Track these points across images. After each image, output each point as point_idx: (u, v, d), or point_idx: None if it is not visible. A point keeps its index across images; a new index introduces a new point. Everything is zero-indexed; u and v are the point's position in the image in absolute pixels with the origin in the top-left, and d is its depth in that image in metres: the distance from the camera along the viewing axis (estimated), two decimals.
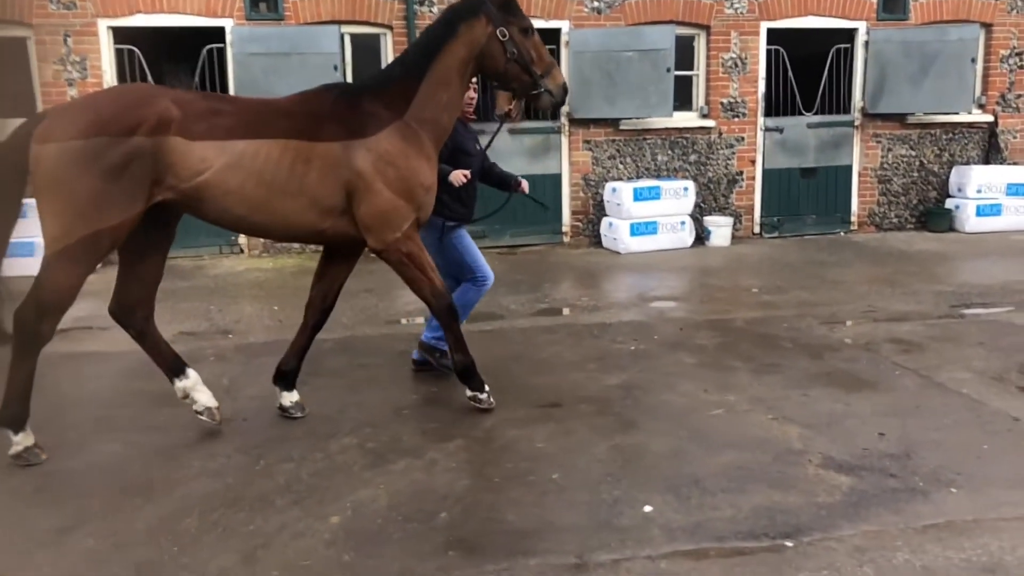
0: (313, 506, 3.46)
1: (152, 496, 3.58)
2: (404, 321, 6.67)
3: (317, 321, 4.51)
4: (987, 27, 10.71)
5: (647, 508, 3.36)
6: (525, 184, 5.16)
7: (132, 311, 4.18)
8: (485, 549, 3.10)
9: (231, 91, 9.08)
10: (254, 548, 3.15)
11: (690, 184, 9.79)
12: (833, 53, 10.39)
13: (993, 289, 7.30)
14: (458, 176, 4.75)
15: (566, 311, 6.93)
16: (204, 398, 4.27)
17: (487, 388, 4.50)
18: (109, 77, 9.00)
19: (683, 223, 9.73)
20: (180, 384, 4.26)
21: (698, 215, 10.11)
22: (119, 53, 9.05)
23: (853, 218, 10.77)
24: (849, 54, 10.47)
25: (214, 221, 4.03)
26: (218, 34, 9.10)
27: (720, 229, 9.94)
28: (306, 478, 3.73)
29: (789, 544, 3.07)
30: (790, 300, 7.05)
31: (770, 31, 10.24)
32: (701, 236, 9.99)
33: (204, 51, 9.10)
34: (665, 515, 3.31)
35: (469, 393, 4.49)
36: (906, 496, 3.42)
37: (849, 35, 10.44)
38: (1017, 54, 10.82)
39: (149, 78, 9.01)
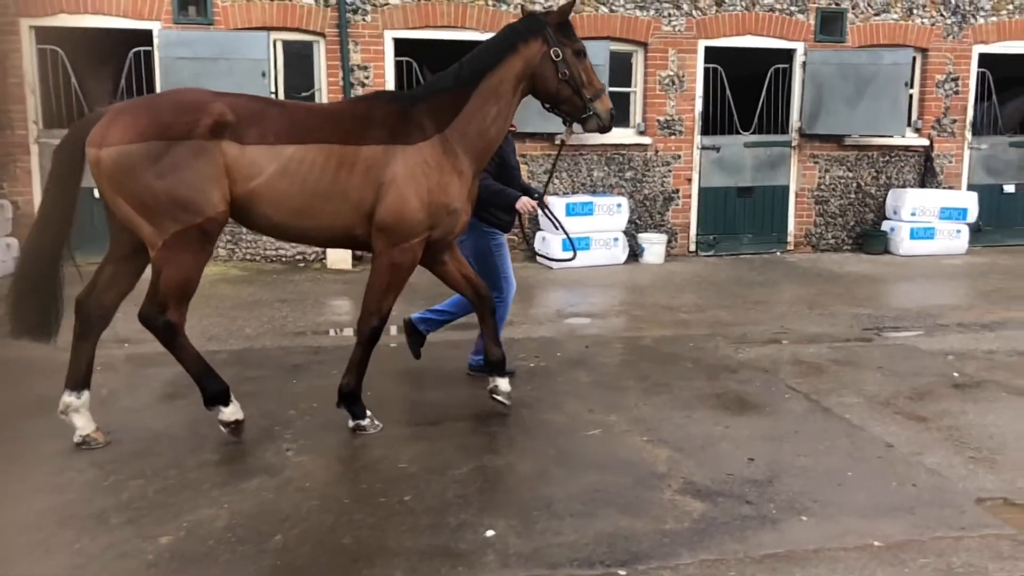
0: (148, 525, 3.33)
1: None
2: (333, 332, 6.56)
3: (487, 310, 4.55)
4: (923, 52, 10.83)
5: (489, 532, 3.27)
6: (548, 199, 5.16)
7: (96, 311, 4.11)
8: (311, 573, 2.99)
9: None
10: (72, 569, 3.02)
11: (624, 200, 9.77)
12: (771, 73, 10.45)
13: (910, 313, 7.33)
14: (526, 206, 4.86)
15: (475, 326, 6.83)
16: (83, 423, 4.09)
17: (368, 414, 4.36)
18: (31, 78, 8.82)
19: (616, 239, 9.70)
20: (67, 399, 4.07)
21: (633, 232, 10.09)
22: (41, 53, 8.87)
23: (789, 238, 10.81)
24: (787, 75, 10.54)
25: (257, 227, 4.11)
26: (145, 37, 8.95)
27: (654, 246, 9.92)
28: (151, 495, 3.60)
29: (622, 573, 3.00)
30: (705, 319, 7.02)
31: (708, 49, 10.28)
32: (636, 253, 9.97)
33: (131, 54, 8.95)
34: (506, 540, 3.22)
35: (352, 422, 4.33)
36: (755, 524, 3.36)
37: (787, 55, 10.51)
38: (953, 79, 10.95)
39: (73, 80, 8.84)
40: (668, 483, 3.74)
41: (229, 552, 3.13)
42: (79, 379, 4.10)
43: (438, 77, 4.37)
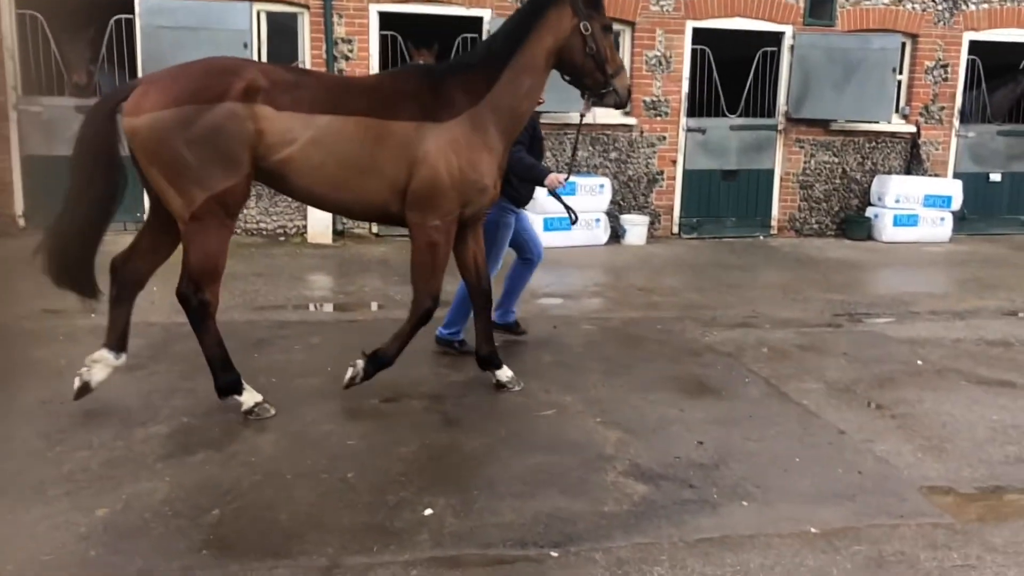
0: (86, 498, 3.32)
1: None
2: (312, 308, 6.53)
3: (482, 302, 4.61)
4: (913, 38, 10.74)
5: (427, 511, 3.27)
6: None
7: (132, 275, 4.21)
8: (241, 549, 2.99)
9: (139, 64, 8.86)
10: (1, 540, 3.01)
11: (606, 181, 9.72)
12: (759, 56, 10.35)
13: (883, 300, 7.31)
14: (554, 182, 4.98)
15: (445, 304, 6.80)
16: (98, 376, 4.17)
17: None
18: (10, 43, 8.73)
19: (598, 220, 9.66)
20: (106, 354, 4.18)
21: (616, 213, 10.04)
22: (20, 19, 8.77)
23: (773, 222, 10.77)
24: (775, 58, 10.45)
25: (300, 197, 4.17)
26: (127, 4, 8.85)
27: (636, 228, 9.88)
28: (95, 467, 3.59)
29: (554, 554, 3.00)
30: (678, 302, 7.00)
31: (696, 30, 10.18)
32: (618, 234, 9.93)
33: (112, 21, 8.85)
34: (443, 519, 3.22)
35: (351, 372, 4.39)
36: (695, 508, 3.36)
37: (776, 38, 10.41)
38: (942, 66, 10.86)
39: (53, 46, 8.75)
40: (614, 465, 3.74)
41: (163, 526, 3.12)
42: (117, 340, 4.20)
43: (474, 49, 4.37)
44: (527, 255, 5.53)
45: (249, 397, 4.15)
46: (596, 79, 4.35)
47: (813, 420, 4.36)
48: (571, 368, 5.13)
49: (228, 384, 4.12)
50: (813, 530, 3.20)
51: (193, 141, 3.73)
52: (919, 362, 5.43)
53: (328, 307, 6.75)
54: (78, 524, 3.12)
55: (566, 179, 5.08)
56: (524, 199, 5.23)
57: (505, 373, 4.65)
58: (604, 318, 6.40)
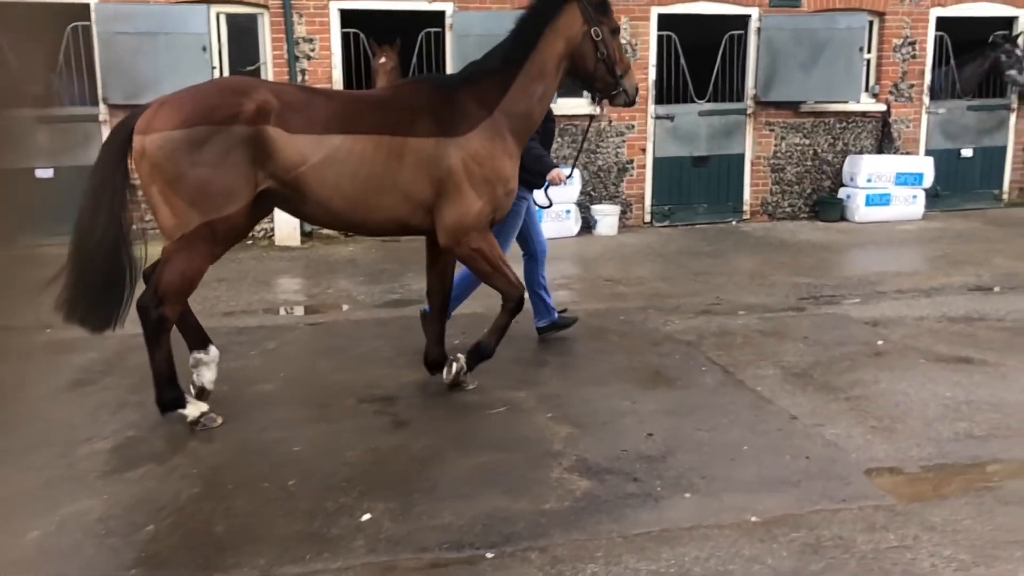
0: (21, 519, 3.28)
1: None
2: (284, 312, 6.49)
3: (442, 303, 4.63)
4: (880, 16, 10.70)
5: (365, 517, 3.24)
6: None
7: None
8: (173, 565, 2.96)
9: (97, 71, 8.79)
10: None
11: (575, 172, 9.66)
12: (726, 40, 10.31)
13: (850, 281, 7.29)
14: (557, 177, 5.05)
15: (413, 303, 6.77)
16: (208, 376, 4.27)
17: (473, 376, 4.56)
18: None
19: (568, 211, 9.62)
20: (198, 355, 4.26)
21: (587, 203, 10.00)
22: None
23: (745, 207, 10.73)
24: (742, 41, 10.40)
25: (314, 218, 4.16)
26: (83, 11, 8.76)
27: (607, 218, 9.84)
28: (34, 489, 3.55)
29: (489, 555, 2.97)
30: (644, 291, 6.97)
31: (661, 16, 10.12)
32: (589, 225, 9.89)
33: (68, 29, 8.76)
34: (380, 524, 3.19)
35: (455, 367, 4.49)
36: (637, 502, 3.34)
37: (742, 21, 10.36)
38: (910, 43, 10.83)
39: (6, 52, 8.64)
40: (560, 461, 3.71)
41: (95, 546, 3.09)
42: (197, 339, 4.26)
43: (483, 58, 4.38)
44: (529, 249, 5.44)
45: (193, 409, 4.10)
46: (607, 82, 4.40)
47: (766, 407, 4.34)
48: (528, 363, 5.10)
49: (170, 400, 4.05)
50: (753, 519, 3.18)
51: (200, 163, 3.72)
52: (879, 342, 5.42)
53: (289, 311, 6.70)
54: (9, 548, 3.07)
55: (569, 176, 5.16)
56: (538, 183, 5.18)
57: (449, 375, 4.58)
58: (568, 310, 6.35)
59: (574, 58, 4.29)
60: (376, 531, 3.13)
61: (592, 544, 3.02)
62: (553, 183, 5.09)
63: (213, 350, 4.31)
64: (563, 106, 9.86)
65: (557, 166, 5.12)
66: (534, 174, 5.11)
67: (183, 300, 4.00)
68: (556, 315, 5.57)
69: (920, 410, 4.24)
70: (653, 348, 5.35)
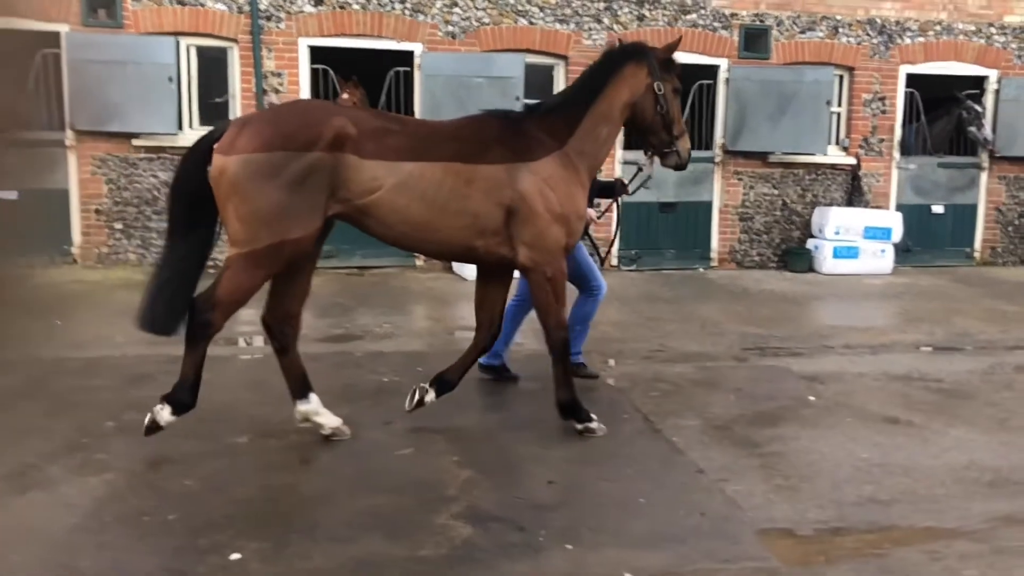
0: None
1: None
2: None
3: (485, 344, 4.70)
4: (850, 71, 10.81)
5: (234, 556, 3.17)
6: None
7: (284, 323, 4.31)
8: None
9: (66, 99, 8.86)
10: None
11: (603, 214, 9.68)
12: (695, 89, 10.40)
13: (801, 334, 7.25)
14: (587, 217, 4.95)
15: (356, 339, 6.74)
16: (327, 420, 4.34)
17: (593, 416, 4.54)
18: None
19: None
20: (302, 408, 4.31)
21: None
22: None
23: (713, 254, 10.75)
24: (711, 91, 10.49)
25: (379, 236, 4.20)
26: (53, 39, 8.86)
27: None
28: None
29: None
30: (591, 335, 6.88)
31: None
32: None
33: (39, 56, 8.84)
34: (247, 565, 3.12)
35: (579, 426, 4.49)
36: (516, 552, 3.27)
37: (712, 71, 10.46)
38: (880, 99, 10.93)
39: None
40: (450, 507, 3.64)
41: None
42: (297, 388, 4.32)
43: (554, 97, 4.68)
44: (590, 285, 5.45)
45: (166, 417, 4.06)
46: (662, 138, 4.56)
47: (676, 459, 4.28)
48: (452, 404, 5.01)
49: (179, 404, 4.05)
50: None
51: (277, 187, 3.81)
52: (811, 398, 5.36)
53: (232, 342, 6.65)
54: None
55: (599, 218, 5.28)
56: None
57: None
58: (510, 352, 6.31)
59: (635, 107, 4.46)
60: (242, 571, 3.07)
61: None
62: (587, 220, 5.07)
63: (313, 397, 4.36)
64: None
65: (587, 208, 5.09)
66: None
67: (233, 311, 4.06)
68: (581, 359, 5.53)
69: (831, 470, 4.17)
70: (582, 394, 5.27)
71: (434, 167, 4.06)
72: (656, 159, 4.70)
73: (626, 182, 5.38)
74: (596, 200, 5.46)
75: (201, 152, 4.00)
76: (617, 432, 4.65)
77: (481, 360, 5.34)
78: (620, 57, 4.49)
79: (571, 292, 5.26)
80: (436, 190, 4.06)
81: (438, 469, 4.07)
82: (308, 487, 3.83)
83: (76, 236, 9.16)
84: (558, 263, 4.35)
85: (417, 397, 4.59)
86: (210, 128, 4.20)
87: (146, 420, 4.04)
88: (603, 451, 4.35)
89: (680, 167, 4.68)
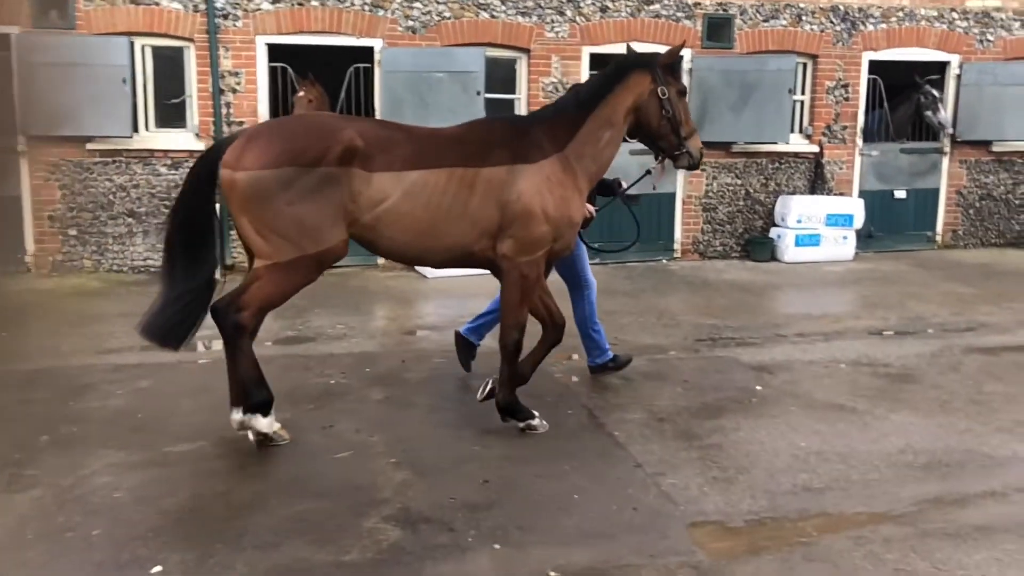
0: None
1: None
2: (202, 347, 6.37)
3: (552, 338, 4.78)
4: (813, 58, 10.82)
5: (156, 569, 3.15)
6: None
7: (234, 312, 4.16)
8: None
9: (15, 102, 8.73)
10: None
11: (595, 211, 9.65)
12: None
13: (756, 323, 7.27)
14: (585, 212, 4.92)
15: (308, 341, 6.69)
16: (262, 424, 4.21)
17: (535, 413, 4.56)
18: None
19: None
20: (237, 416, 4.21)
21: None
22: None
23: (677, 245, 10.75)
24: None
25: (381, 250, 4.30)
26: (2, 41, 8.72)
27: None
28: None
29: None
30: None
31: (593, 56, 10.19)
32: None
33: None
34: None
35: (521, 424, 4.53)
36: (442, 554, 3.26)
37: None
38: (843, 86, 10.95)
39: None
40: (381, 510, 3.63)
41: None
42: (238, 394, 4.18)
43: (557, 101, 4.71)
44: (580, 283, 5.55)
45: (268, 423, 4.17)
46: (671, 141, 4.61)
47: (615, 453, 4.28)
48: (396, 405, 5.02)
49: (260, 404, 4.13)
50: (552, 574, 3.10)
51: (290, 204, 3.85)
52: (758, 387, 5.38)
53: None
54: None
55: (596, 211, 5.32)
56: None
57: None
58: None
59: (640, 112, 4.51)
60: None
61: None
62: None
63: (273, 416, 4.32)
64: None
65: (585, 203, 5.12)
66: None
67: (265, 313, 4.09)
68: (611, 354, 5.56)
69: (768, 460, 4.19)
70: (528, 389, 5.26)
71: (438, 173, 4.12)
72: (668, 162, 4.77)
73: (624, 184, 5.37)
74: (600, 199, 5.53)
75: (207, 166, 4.02)
76: (560, 426, 4.65)
77: (461, 330, 5.56)
78: (626, 65, 4.57)
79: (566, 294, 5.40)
80: (440, 196, 4.11)
81: (374, 472, 4.05)
82: (239, 494, 3.80)
83: (30, 244, 9.04)
84: (535, 265, 4.36)
85: (489, 387, 4.73)
86: (204, 137, 4.21)
87: (251, 438, 4.16)
88: (543, 448, 4.35)
89: (693, 167, 4.73)
